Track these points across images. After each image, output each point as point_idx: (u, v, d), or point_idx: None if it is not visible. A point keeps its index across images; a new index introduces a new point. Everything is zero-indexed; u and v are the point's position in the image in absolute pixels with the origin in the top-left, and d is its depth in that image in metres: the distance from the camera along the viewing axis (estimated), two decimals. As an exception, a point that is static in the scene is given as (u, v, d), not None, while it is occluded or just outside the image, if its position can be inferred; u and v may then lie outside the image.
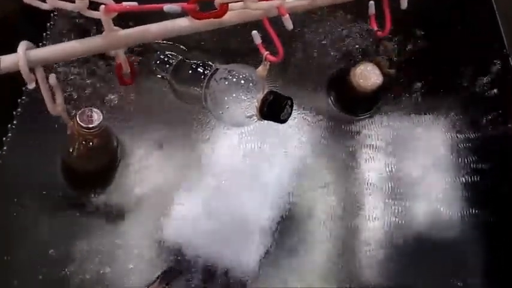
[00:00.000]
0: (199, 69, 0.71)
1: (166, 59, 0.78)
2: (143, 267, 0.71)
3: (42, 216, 0.72)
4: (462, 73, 0.89)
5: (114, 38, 0.52)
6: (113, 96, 0.80)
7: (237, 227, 0.75)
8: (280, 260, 0.74)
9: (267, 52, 0.59)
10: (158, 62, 0.78)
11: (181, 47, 0.82)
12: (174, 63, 0.76)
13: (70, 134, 0.66)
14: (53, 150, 0.74)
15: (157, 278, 0.70)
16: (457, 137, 0.84)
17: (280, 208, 0.77)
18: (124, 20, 0.55)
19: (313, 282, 0.74)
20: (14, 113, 0.77)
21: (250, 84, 0.63)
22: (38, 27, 0.82)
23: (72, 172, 0.75)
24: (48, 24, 0.83)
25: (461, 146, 0.84)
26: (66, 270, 0.70)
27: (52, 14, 0.83)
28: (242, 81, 0.64)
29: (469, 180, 0.82)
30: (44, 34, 0.82)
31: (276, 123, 0.62)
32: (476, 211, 0.80)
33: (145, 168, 0.77)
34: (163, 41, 0.80)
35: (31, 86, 0.52)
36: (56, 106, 0.57)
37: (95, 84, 0.80)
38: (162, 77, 0.79)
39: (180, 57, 0.77)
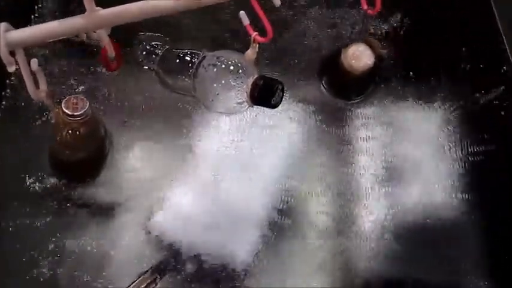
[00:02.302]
0: (186, 58, 0.69)
1: (152, 49, 0.76)
2: (134, 259, 0.70)
3: (28, 207, 0.71)
4: (456, 55, 0.88)
5: (96, 18, 0.51)
6: (100, 86, 0.79)
7: (230, 218, 0.74)
8: (276, 250, 0.73)
9: (256, 33, 0.58)
10: (144, 52, 0.77)
11: (166, 39, 0.80)
12: (160, 54, 0.75)
13: (55, 122, 0.64)
14: (40, 139, 0.73)
15: (149, 269, 0.69)
16: (452, 119, 0.83)
17: (275, 197, 0.76)
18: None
19: (310, 272, 0.73)
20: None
21: (240, 70, 0.62)
22: (26, 11, 0.81)
23: (59, 162, 0.73)
24: (36, 7, 0.82)
25: (456, 129, 0.83)
26: (53, 264, 0.68)
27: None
28: (231, 67, 0.62)
29: (466, 164, 0.81)
30: (32, 16, 0.81)
31: (267, 109, 0.61)
32: (474, 196, 0.79)
33: (135, 160, 0.76)
34: (149, 32, 0.80)
35: (11, 69, 0.51)
36: (38, 91, 0.55)
37: (81, 74, 0.79)
38: (149, 68, 0.77)
39: (167, 46, 0.75)
